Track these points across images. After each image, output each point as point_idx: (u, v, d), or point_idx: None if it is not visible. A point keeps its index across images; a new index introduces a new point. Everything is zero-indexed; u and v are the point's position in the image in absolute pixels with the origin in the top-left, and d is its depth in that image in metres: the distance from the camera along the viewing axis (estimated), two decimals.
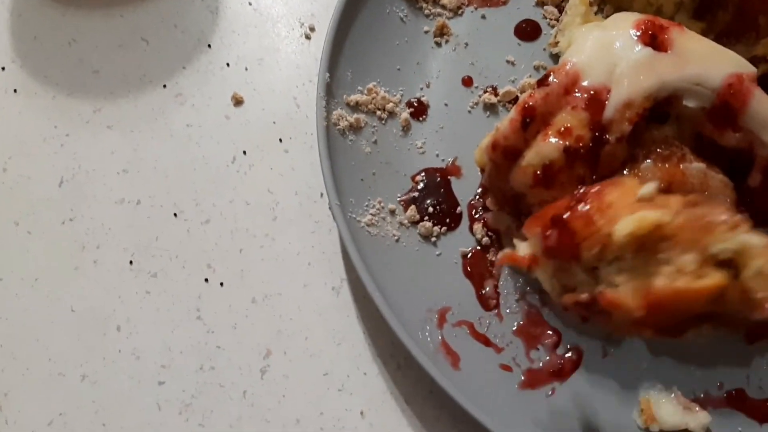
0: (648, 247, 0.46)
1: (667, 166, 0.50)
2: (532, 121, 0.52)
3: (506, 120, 0.53)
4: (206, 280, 0.59)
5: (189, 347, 0.57)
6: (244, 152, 0.64)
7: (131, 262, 0.60)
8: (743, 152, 0.51)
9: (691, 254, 0.46)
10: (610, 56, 0.51)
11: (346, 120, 0.61)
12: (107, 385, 0.56)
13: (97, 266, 0.60)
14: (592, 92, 0.51)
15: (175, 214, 0.62)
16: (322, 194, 0.62)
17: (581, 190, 0.49)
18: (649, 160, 0.50)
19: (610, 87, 0.51)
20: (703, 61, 0.51)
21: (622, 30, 0.52)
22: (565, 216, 0.48)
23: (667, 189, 0.49)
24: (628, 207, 0.46)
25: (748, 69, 0.51)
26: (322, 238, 0.61)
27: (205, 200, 0.62)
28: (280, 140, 0.65)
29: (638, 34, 0.52)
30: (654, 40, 0.52)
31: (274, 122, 0.65)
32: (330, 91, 0.61)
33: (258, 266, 0.60)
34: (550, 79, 0.52)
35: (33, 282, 0.60)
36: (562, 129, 0.51)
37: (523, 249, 0.50)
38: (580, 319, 0.55)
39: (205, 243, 0.61)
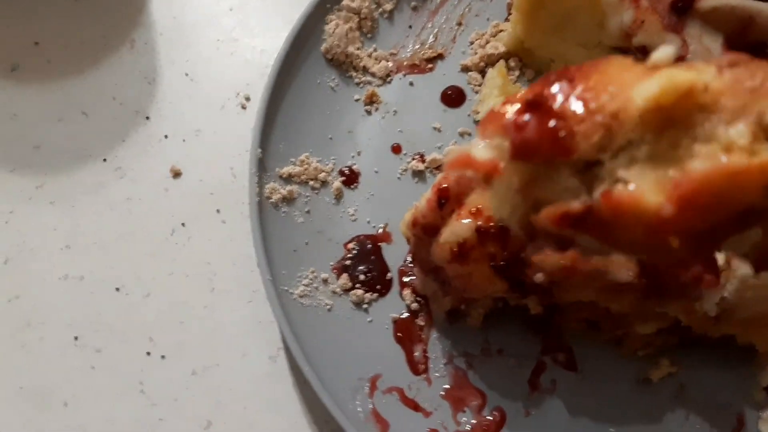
0: (677, 121, 0.35)
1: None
2: (447, 201, 0.55)
3: (423, 199, 0.56)
4: (148, 353, 0.62)
5: (133, 421, 0.60)
6: (183, 224, 0.67)
7: (76, 338, 0.62)
8: None
9: (740, 124, 0.35)
10: None
11: (279, 192, 0.64)
12: None
13: (42, 343, 0.62)
14: None
15: (117, 289, 0.64)
16: (259, 264, 0.65)
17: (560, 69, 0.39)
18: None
19: None
20: None
21: None
22: (549, 94, 0.38)
23: (571, 266, 0.53)
24: (637, 77, 0.37)
25: None
26: (260, 308, 0.64)
27: (145, 273, 0.65)
28: (218, 211, 0.67)
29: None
30: None
31: (211, 193, 0.68)
32: (262, 166, 0.64)
33: (198, 338, 0.62)
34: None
35: None
36: (474, 210, 0.54)
37: (480, 152, 0.43)
38: (548, 283, 0.50)
39: (147, 316, 0.63)
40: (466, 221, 0.54)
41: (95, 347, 0.62)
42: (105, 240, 0.66)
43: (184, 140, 0.70)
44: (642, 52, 0.60)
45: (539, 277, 0.54)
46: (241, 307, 0.64)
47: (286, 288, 0.61)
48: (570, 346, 0.61)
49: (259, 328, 0.63)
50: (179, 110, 0.71)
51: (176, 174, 0.69)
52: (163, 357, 0.62)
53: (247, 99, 0.72)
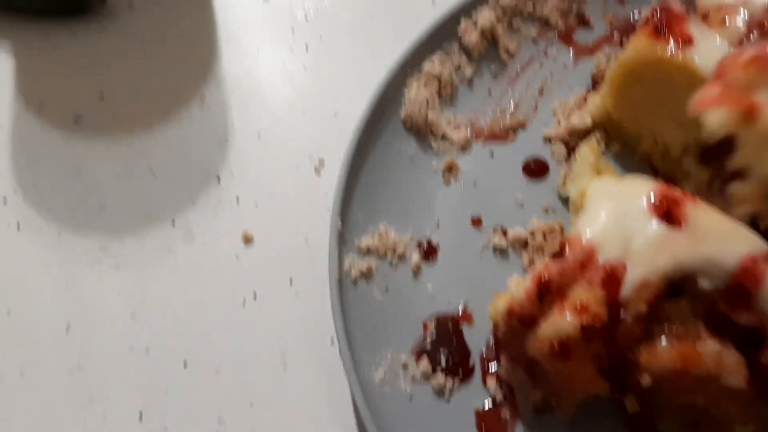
0: None
1: (682, 345, 0.51)
2: (548, 293, 0.52)
3: (521, 289, 0.54)
4: None
5: None
6: (255, 294, 0.64)
7: (141, 416, 0.59)
8: (756, 329, 0.52)
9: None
10: (625, 230, 0.52)
11: (358, 268, 0.61)
12: None
13: (105, 421, 0.59)
14: (608, 269, 0.51)
15: (185, 364, 0.61)
16: (332, 340, 0.62)
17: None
18: (664, 339, 0.51)
19: (625, 263, 0.51)
20: (718, 240, 0.51)
21: (636, 201, 0.53)
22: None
23: (682, 369, 0.50)
24: None
25: (761, 248, 0.51)
26: (334, 387, 0.60)
27: (215, 348, 0.62)
28: (291, 280, 0.64)
29: (652, 207, 0.52)
30: (668, 213, 0.52)
31: (284, 262, 0.65)
32: (342, 239, 0.61)
33: (270, 420, 0.59)
34: (566, 252, 0.52)
35: None
36: (579, 305, 0.51)
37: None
38: None
39: (216, 395, 0.60)
40: (570, 316, 0.51)
41: (162, 426, 0.59)
42: (172, 309, 0.63)
43: (256, 204, 0.67)
44: None
45: (646, 379, 0.51)
46: (316, 387, 0.60)
47: (366, 373, 0.58)
48: None
49: (335, 411, 0.60)
50: (251, 172, 0.69)
51: (248, 240, 0.66)
52: None
53: (321, 163, 0.69)
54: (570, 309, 0.51)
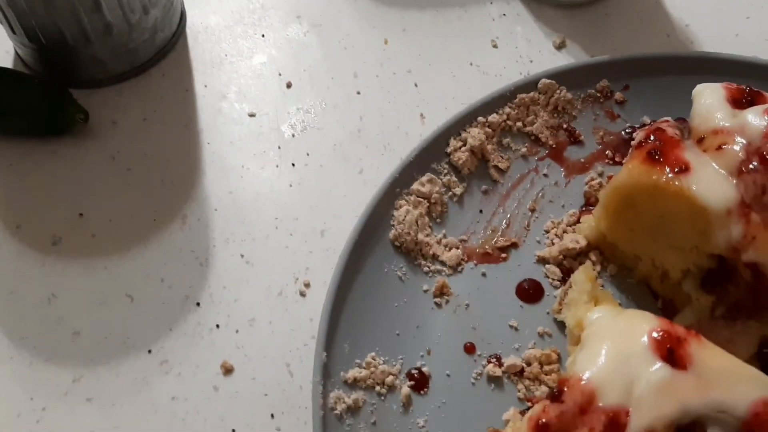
0: None
1: None
2: None
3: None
4: None
5: None
6: (233, 431, 0.60)
7: None
8: None
9: None
10: (627, 373, 0.49)
11: (344, 402, 0.58)
12: None
13: None
14: (610, 414, 0.48)
15: None
16: None
17: None
18: None
19: (628, 408, 0.48)
20: (726, 382, 0.48)
21: (637, 341, 0.50)
22: None
23: None
24: None
25: None
26: None
27: None
28: (272, 416, 0.61)
29: (654, 346, 0.50)
30: (671, 354, 0.49)
31: (265, 394, 0.61)
32: (327, 372, 0.58)
33: None
34: (564, 395, 0.49)
35: None
36: None
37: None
38: None
39: None
40: None
41: None
42: None
43: (237, 331, 0.64)
44: (752, 269, 0.55)
45: None
46: None
47: None
48: None
49: None
50: (233, 296, 0.66)
51: (227, 370, 0.62)
52: None
53: (307, 285, 0.66)
54: None
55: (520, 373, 0.61)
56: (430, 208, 0.67)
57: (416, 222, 0.66)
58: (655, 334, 0.50)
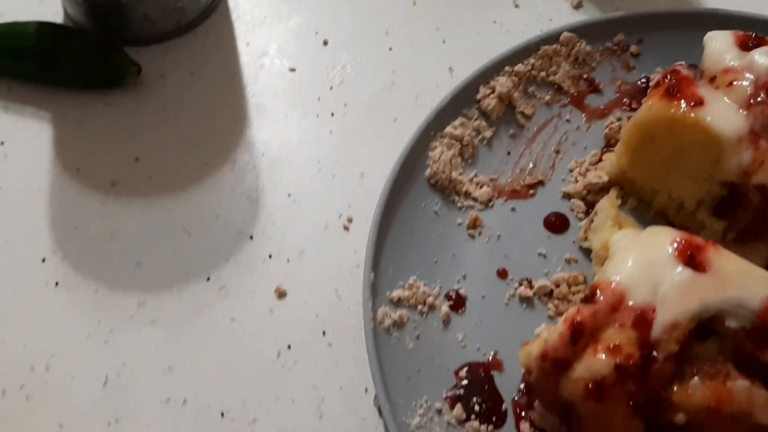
0: None
1: (714, 383, 0.53)
2: (581, 336, 0.54)
3: (555, 332, 0.56)
4: None
5: None
6: (289, 346, 0.65)
7: None
8: None
9: None
10: (653, 276, 0.55)
11: (390, 317, 0.63)
12: None
13: None
14: (638, 312, 0.54)
15: (221, 414, 0.62)
16: (366, 389, 0.63)
17: None
18: (696, 378, 0.53)
19: (654, 306, 0.54)
20: (742, 282, 0.54)
21: (661, 248, 0.56)
22: None
23: (714, 407, 0.52)
24: None
25: None
26: None
27: (251, 398, 0.63)
28: (324, 333, 0.66)
29: (677, 253, 0.55)
30: (692, 259, 0.55)
31: (317, 315, 0.67)
32: (374, 290, 0.64)
33: None
34: (597, 296, 0.55)
35: None
36: (612, 346, 0.53)
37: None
38: None
39: None
40: (603, 357, 0.53)
41: None
42: (209, 362, 0.65)
43: (288, 260, 0.70)
44: (761, 191, 0.61)
45: (680, 417, 0.53)
46: None
47: (403, 419, 0.59)
48: None
49: None
50: (282, 230, 0.71)
51: (281, 294, 0.68)
52: None
53: (350, 220, 0.72)
54: (603, 350, 0.54)
55: (549, 294, 0.66)
56: (462, 150, 0.73)
57: (450, 162, 0.71)
58: (676, 243, 0.56)
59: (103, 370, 0.64)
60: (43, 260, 0.69)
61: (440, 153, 0.71)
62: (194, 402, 0.63)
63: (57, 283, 0.68)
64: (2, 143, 0.76)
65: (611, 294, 0.55)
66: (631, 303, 0.54)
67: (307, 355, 0.65)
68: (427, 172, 0.71)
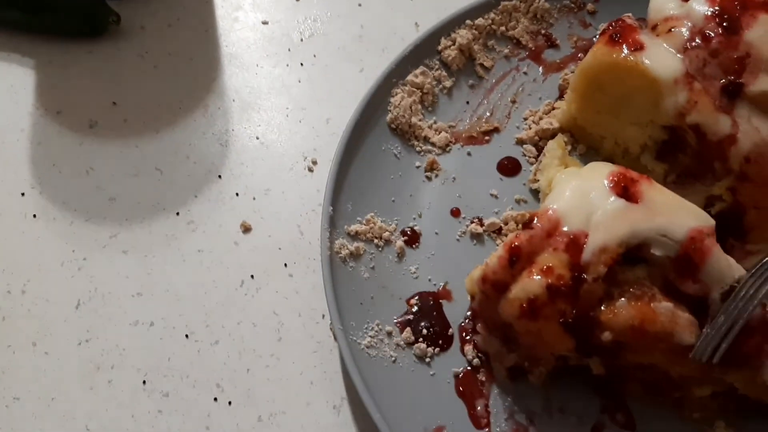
0: None
1: (639, 304, 0.56)
2: (518, 260, 0.58)
3: (494, 257, 0.60)
4: (215, 399, 0.63)
5: None
6: (252, 276, 0.69)
7: (144, 382, 0.64)
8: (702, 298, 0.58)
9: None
10: (587, 205, 0.58)
11: (347, 249, 0.67)
12: None
13: (111, 386, 0.64)
14: (571, 237, 0.58)
15: (186, 336, 0.66)
16: (323, 316, 0.67)
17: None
18: (623, 299, 0.57)
19: (587, 232, 0.58)
20: (669, 213, 0.58)
21: (598, 181, 0.60)
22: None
23: (639, 326, 0.56)
24: None
25: (707, 222, 0.58)
26: (324, 358, 0.66)
27: (214, 322, 0.67)
28: (285, 265, 0.70)
29: (611, 185, 0.59)
30: (626, 191, 0.59)
31: (279, 248, 0.71)
32: (333, 223, 0.67)
33: (264, 385, 0.64)
34: (534, 222, 0.59)
35: (49, 401, 0.63)
36: (545, 268, 0.57)
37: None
38: None
39: (215, 363, 0.65)
40: (537, 277, 0.57)
41: (163, 391, 0.64)
42: (176, 288, 0.69)
43: (254, 198, 0.74)
44: (694, 130, 0.65)
45: (606, 336, 0.56)
46: (306, 357, 0.66)
47: (354, 338, 0.63)
48: (628, 405, 0.62)
49: (323, 378, 0.65)
50: (250, 171, 0.75)
51: (246, 229, 0.72)
52: (230, 403, 0.63)
53: (314, 163, 0.76)
54: (537, 272, 0.58)
55: (498, 231, 0.70)
56: (423, 98, 0.76)
57: (410, 107, 0.75)
58: (612, 176, 0.60)
59: (76, 294, 0.68)
60: (23, 194, 0.73)
61: (401, 99, 0.75)
62: (161, 324, 0.67)
63: (35, 215, 0.72)
64: None
65: (547, 221, 0.59)
66: (565, 229, 0.58)
67: (269, 285, 0.69)
68: (389, 116, 0.74)
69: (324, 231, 0.66)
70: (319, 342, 0.66)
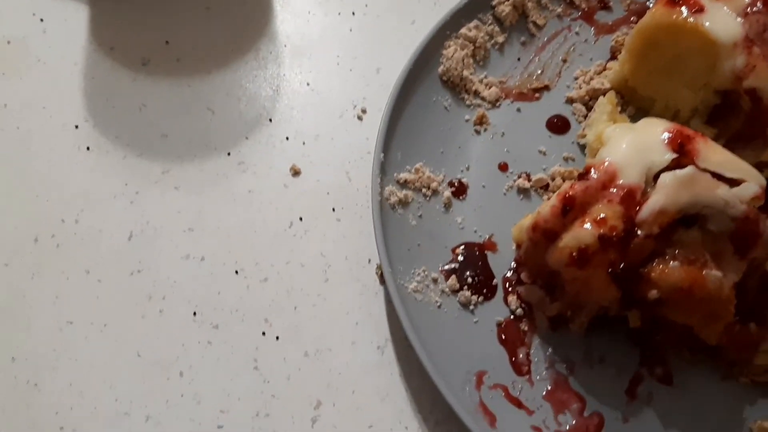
0: None
1: (690, 268, 0.57)
2: (571, 209, 0.59)
3: (547, 205, 0.61)
4: (263, 333, 0.65)
5: (246, 395, 0.62)
6: (300, 218, 0.70)
7: (195, 314, 0.65)
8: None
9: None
10: (644, 159, 0.59)
11: (396, 196, 0.68)
12: (170, 426, 0.61)
13: (162, 315, 0.65)
14: (627, 189, 0.58)
15: (236, 272, 0.68)
16: (369, 260, 0.69)
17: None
18: (675, 261, 0.57)
19: (642, 186, 0.59)
20: (724, 169, 0.58)
21: (654, 136, 0.60)
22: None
23: (687, 288, 0.57)
24: None
25: (760, 181, 0.59)
26: (369, 301, 0.67)
27: (263, 260, 0.68)
28: (333, 209, 0.71)
29: (668, 141, 0.60)
30: (682, 147, 0.59)
31: (328, 193, 0.72)
32: (383, 170, 0.68)
33: (310, 323, 0.66)
34: (591, 173, 0.60)
35: (102, 327, 0.65)
36: (598, 218, 0.58)
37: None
38: None
39: (263, 300, 0.66)
40: (589, 228, 0.58)
41: (213, 323, 0.65)
42: (226, 226, 0.70)
43: (303, 143, 0.74)
44: (750, 95, 0.65)
45: (653, 293, 0.57)
46: (352, 299, 0.67)
47: (401, 282, 0.64)
48: (667, 360, 0.64)
49: (368, 319, 0.66)
50: (300, 116, 0.76)
51: (296, 172, 0.73)
52: (277, 338, 0.65)
53: (364, 111, 0.77)
54: (590, 221, 0.58)
55: (545, 187, 0.71)
56: (475, 52, 0.77)
57: (462, 61, 0.75)
58: (668, 132, 0.60)
59: (129, 226, 0.69)
60: (77, 127, 0.74)
61: (453, 52, 0.75)
62: (211, 259, 0.68)
63: (88, 148, 0.73)
64: (42, 20, 0.80)
65: (604, 172, 0.59)
66: (621, 182, 0.59)
67: (317, 228, 0.70)
68: (440, 69, 0.75)
69: (375, 177, 0.67)
70: (364, 285, 0.68)
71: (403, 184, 0.69)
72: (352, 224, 0.71)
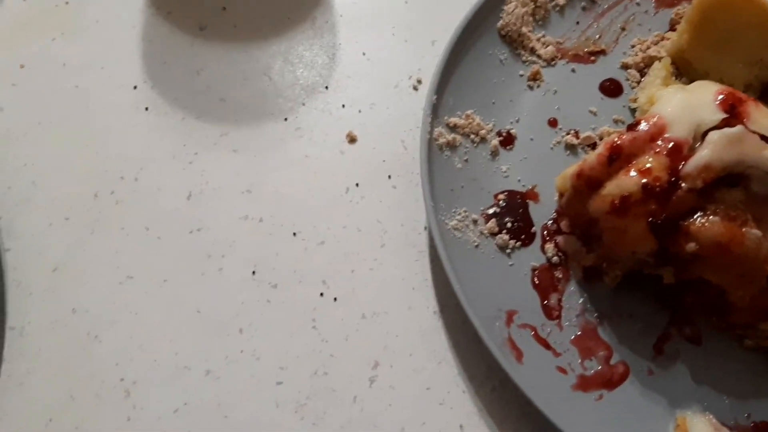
0: None
1: (731, 224, 0.57)
2: (617, 159, 0.60)
3: (594, 154, 0.61)
4: (321, 294, 0.66)
5: (305, 353, 0.63)
6: (357, 184, 0.71)
7: (254, 273, 0.66)
8: None
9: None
10: (694, 116, 0.60)
11: (445, 137, 0.69)
12: (229, 381, 0.62)
13: (221, 274, 0.66)
14: (674, 143, 0.59)
15: (294, 234, 0.68)
16: (425, 227, 0.69)
17: None
18: (716, 216, 0.58)
19: (690, 141, 0.59)
20: None
21: (706, 96, 0.61)
22: None
23: (726, 245, 0.57)
24: None
25: None
26: (425, 267, 0.67)
27: (320, 224, 0.69)
28: (389, 176, 0.72)
29: (719, 102, 0.60)
30: (733, 109, 0.59)
31: (383, 160, 0.72)
32: (435, 111, 0.70)
33: (367, 286, 0.66)
34: (640, 125, 0.60)
35: (162, 283, 0.66)
36: (644, 168, 0.59)
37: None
38: None
39: (321, 261, 0.67)
40: (634, 176, 0.59)
41: (271, 283, 0.66)
42: (284, 189, 0.70)
43: (359, 111, 0.75)
44: None
45: (691, 246, 0.57)
46: (408, 264, 0.67)
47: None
48: (697, 321, 0.64)
49: (424, 285, 0.66)
50: (356, 84, 0.77)
51: (352, 139, 0.73)
52: (335, 299, 0.65)
53: (419, 82, 0.77)
54: (635, 170, 0.59)
55: (593, 146, 0.71)
56: (535, 11, 0.77)
57: (522, 17, 0.76)
58: (720, 94, 0.60)
59: (187, 186, 0.70)
60: (135, 87, 0.75)
61: (514, 7, 0.76)
62: (270, 221, 0.69)
63: (147, 108, 0.74)
64: None
65: (653, 125, 0.60)
66: (668, 135, 0.59)
67: (373, 194, 0.71)
68: (500, 23, 0.76)
69: (426, 116, 0.68)
70: (420, 251, 0.68)
71: (453, 128, 0.70)
72: (408, 192, 0.71)
